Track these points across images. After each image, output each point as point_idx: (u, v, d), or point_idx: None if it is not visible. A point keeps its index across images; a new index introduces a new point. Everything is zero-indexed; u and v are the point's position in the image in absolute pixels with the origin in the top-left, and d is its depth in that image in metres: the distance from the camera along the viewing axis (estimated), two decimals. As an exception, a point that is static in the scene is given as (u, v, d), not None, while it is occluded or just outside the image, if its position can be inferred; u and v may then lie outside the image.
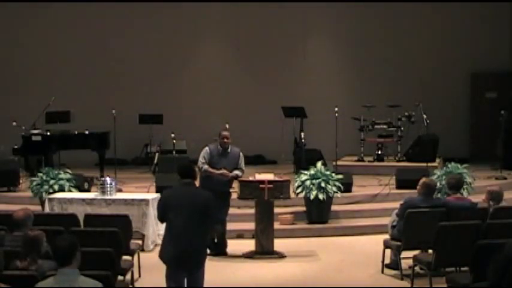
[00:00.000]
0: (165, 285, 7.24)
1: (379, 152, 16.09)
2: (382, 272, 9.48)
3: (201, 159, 10.50)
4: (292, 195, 11.40)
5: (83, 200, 10.88)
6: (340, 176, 12.20)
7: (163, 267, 7.11)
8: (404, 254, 9.16)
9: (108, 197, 10.76)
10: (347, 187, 12.84)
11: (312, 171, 11.98)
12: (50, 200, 11.01)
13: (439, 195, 11.14)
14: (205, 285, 7.05)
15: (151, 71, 17.99)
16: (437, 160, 15.31)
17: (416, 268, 8.99)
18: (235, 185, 10.61)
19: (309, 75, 18.26)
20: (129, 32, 17.88)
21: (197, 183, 10.41)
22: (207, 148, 10.57)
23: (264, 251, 10.37)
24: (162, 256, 7.19)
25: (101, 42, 17.89)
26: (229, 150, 10.48)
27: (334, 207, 12.27)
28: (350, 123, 16.05)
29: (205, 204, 7.11)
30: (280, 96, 17.20)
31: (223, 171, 10.36)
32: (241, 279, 9.32)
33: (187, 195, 7.12)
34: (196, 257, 7.08)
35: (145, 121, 16.67)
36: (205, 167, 10.40)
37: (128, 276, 8.68)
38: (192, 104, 17.90)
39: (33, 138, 14.23)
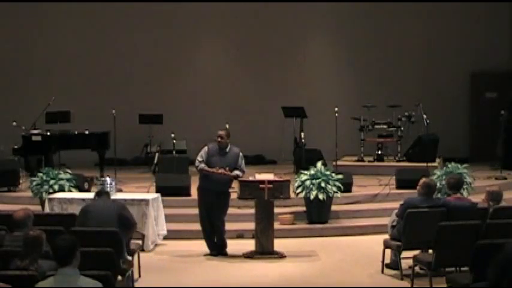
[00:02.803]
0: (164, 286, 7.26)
1: (379, 152, 16.08)
2: (382, 272, 9.46)
3: (198, 158, 10.43)
4: (292, 195, 11.37)
5: (83, 200, 10.84)
6: (340, 176, 12.18)
7: (163, 268, 7.10)
8: (404, 254, 9.14)
9: (108, 197, 10.72)
10: (347, 187, 12.83)
11: (312, 171, 11.96)
12: (50, 200, 11.00)
13: (439, 195, 11.13)
14: (205, 285, 7.06)
15: (151, 71, 17.97)
16: (437, 160, 15.30)
17: (416, 268, 8.98)
18: (235, 185, 10.59)
19: (309, 75, 18.25)
20: (129, 32, 17.86)
21: (196, 182, 10.60)
22: (206, 147, 10.51)
23: (264, 251, 10.35)
24: None
25: (101, 42, 17.87)
26: (228, 150, 10.41)
27: (334, 207, 12.25)
28: (350, 123, 16.04)
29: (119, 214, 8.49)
30: (280, 96, 17.20)
31: (218, 169, 10.24)
32: (241, 279, 9.31)
33: (102, 208, 8.54)
34: None
35: (145, 121, 16.67)
36: (202, 166, 10.33)
37: (128, 276, 8.67)
38: (192, 104, 17.89)
39: (33, 138, 14.22)
